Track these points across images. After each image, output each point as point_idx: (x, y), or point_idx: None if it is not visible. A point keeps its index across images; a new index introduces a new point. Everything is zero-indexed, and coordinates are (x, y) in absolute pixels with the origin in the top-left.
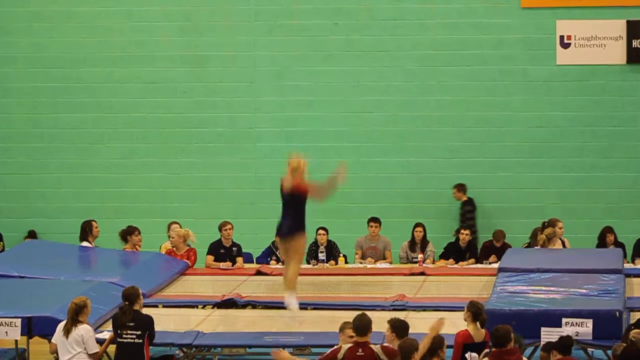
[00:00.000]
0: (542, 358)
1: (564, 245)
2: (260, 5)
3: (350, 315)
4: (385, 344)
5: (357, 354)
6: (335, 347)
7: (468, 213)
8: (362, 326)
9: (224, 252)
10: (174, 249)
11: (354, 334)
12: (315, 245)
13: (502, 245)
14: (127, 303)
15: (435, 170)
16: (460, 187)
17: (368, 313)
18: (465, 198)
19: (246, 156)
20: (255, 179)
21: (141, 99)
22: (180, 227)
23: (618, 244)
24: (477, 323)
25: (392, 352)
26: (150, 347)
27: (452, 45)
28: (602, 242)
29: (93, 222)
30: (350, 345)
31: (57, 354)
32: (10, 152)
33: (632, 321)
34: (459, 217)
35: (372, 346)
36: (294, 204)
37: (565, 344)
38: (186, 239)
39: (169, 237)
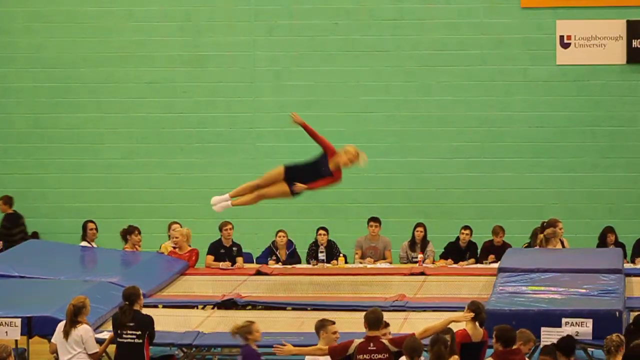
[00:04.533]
0: None
1: (563, 246)
2: (260, 5)
3: (350, 316)
4: (391, 337)
5: (369, 348)
6: (346, 340)
7: (20, 226)
8: (376, 320)
9: (224, 252)
10: (177, 249)
11: (336, 331)
12: (315, 245)
13: (502, 244)
14: (127, 303)
15: (435, 170)
16: (7, 200)
17: None
18: (10, 211)
19: (246, 156)
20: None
21: (141, 99)
22: (181, 227)
23: (618, 244)
24: (476, 322)
25: (400, 342)
26: (150, 347)
27: (452, 45)
28: (602, 242)
29: (89, 224)
30: (361, 340)
31: (57, 353)
32: (10, 152)
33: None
34: None
35: (382, 340)
36: (323, 175)
37: (567, 345)
38: (188, 238)
39: (169, 237)
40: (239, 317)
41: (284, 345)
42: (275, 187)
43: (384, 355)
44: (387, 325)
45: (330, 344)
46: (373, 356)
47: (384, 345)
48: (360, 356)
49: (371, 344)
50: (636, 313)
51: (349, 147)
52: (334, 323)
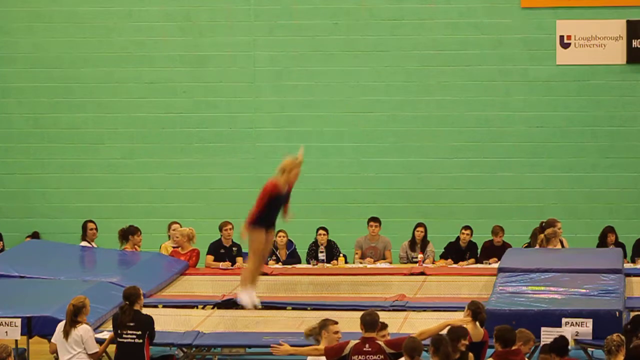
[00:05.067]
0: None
1: (562, 245)
2: (260, 5)
3: (350, 315)
4: (388, 338)
5: (364, 349)
6: (342, 341)
7: None
8: (372, 321)
9: (224, 252)
10: (179, 248)
11: (339, 330)
12: (315, 245)
13: (502, 244)
14: (127, 303)
15: (435, 170)
16: None
17: None
18: None
19: (246, 156)
20: (255, 179)
21: (141, 99)
22: (181, 227)
23: (618, 244)
24: (477, 322)
25: (395, 343)
26: (150, 347)
27: (452, 45)
28: (602, 242)
29: (89, 224)
30: (357, 341)
31: (57, 353)
32: (10, 152)
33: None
34: None
35: (378, 341)
36: (281, 202)
37: (560, 345)
38: (191, 238)
39: (169, 237)
40: (239, 317)
41: (281, 345)
42: (267, 243)
43: (379, 357)
44: (385, 326)
45: (331, 344)
46: (368, 357)
47: (380, 346)
48: (355, 357)
49: (367, 345)
50: (636, 313)
51: (285, 164)
52: (336, 323)
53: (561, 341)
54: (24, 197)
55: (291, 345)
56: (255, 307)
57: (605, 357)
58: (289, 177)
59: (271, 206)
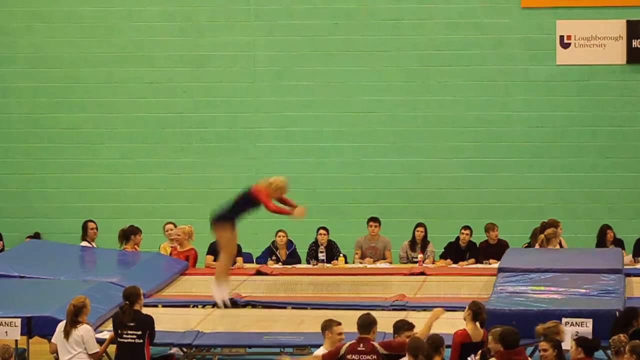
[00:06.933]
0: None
1: (560, 246)
2: (260, 5)
3: (350, 315)
4: (383, 340)
5: (359, 348)
6: (339, 343)
7: None
8: (366, 323)
9: None
10: (178, 246)
11: (342, 332)
12: (315, 245)
13: (497, 241)
14: (127, 303)
15: (435, 170)
16: None
17: None
18: None
19: (246, 156)
20: (255, 179)
21: (141, 99)
22: (175, 227)
23: (617, 240)
24: (477, 323)
25: (390, 345)
26: (150, 347)
27: (452, 45)
28: (601, 239)
29: (89, 223)
30: (352, 342)
31: (57, 353)
32: (10, 152)
33: None
34: None
35: (372, 342)
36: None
37: (592, 346)
38: (190, 236)
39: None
40: (239, 317)
41: (281, 354)
42: (233, 239)
43: (372, 357)
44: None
45: (334, 345)
46: (362, 357)
47: (374, 346)
48: (350, 356)
49: (361, 345)
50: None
51: (277, 182)
52: (340, 324)
53: (594, 342)
54: (24, 197)
55: (292, 346)
56: (225, 306)
57: (606, 358)
58: (273, 192)
59: (244, 206)
